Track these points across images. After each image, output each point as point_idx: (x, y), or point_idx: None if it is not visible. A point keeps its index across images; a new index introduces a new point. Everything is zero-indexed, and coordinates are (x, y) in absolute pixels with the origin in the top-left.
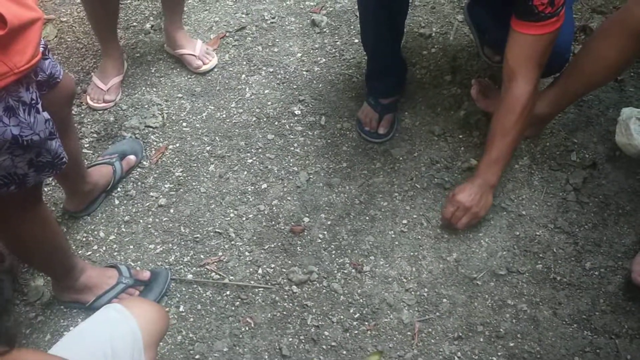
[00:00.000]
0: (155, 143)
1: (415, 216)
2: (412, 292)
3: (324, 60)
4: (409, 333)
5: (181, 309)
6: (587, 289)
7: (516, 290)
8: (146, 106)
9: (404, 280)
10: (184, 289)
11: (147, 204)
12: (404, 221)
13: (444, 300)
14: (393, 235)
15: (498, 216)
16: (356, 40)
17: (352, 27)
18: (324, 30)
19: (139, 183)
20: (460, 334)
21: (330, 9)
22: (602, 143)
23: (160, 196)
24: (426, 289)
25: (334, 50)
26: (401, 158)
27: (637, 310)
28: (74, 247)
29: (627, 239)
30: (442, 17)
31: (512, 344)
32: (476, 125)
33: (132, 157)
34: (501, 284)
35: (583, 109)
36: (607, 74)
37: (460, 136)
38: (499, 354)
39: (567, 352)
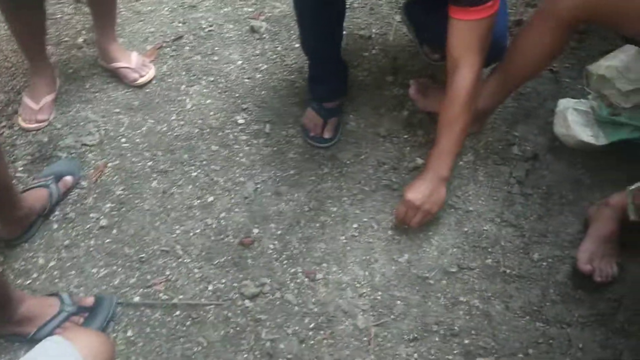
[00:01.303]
0: (93, 162)
1: (365, 220)
2: (366, 297)
3: (265, 66)
4: (365, 339)
5: (129, 333)
6: (537, 280)
7: (468, 287)
8: (82, 124)
9: (358, 285)
10: (131, 312)
11: (88, 226)
12: (355, 225)
13: (398, 302)
14: (344, 241)
15: (446, 214)
16: (297, 45)
17: (292, 32)
18: (264, 36)
19: (78, 204)
20: (416, 335)
21: (269, 14)
22: (542, 135)
23: (102, 217)
24: (380, 292)
25: (275, 56)
26: (348, 162)
27: (586, 299)
28: (11, 277)
29: (572, 227)
30: (380, 18)
31: (467, 341)
32: (420, 125)
33: (69, 178)
34: (453, 282)
35: (522, 102)
36: (539, 65)
37: (406, 136)
38: (455, 352)
39: (521, 345)
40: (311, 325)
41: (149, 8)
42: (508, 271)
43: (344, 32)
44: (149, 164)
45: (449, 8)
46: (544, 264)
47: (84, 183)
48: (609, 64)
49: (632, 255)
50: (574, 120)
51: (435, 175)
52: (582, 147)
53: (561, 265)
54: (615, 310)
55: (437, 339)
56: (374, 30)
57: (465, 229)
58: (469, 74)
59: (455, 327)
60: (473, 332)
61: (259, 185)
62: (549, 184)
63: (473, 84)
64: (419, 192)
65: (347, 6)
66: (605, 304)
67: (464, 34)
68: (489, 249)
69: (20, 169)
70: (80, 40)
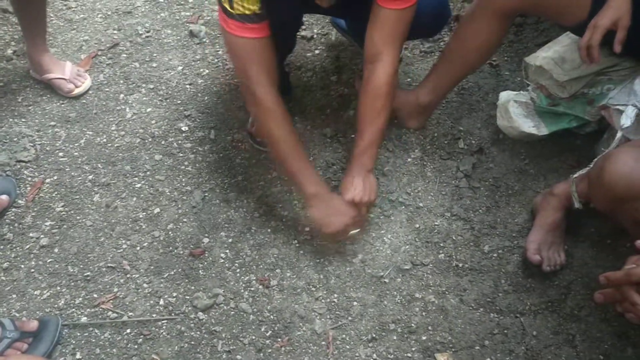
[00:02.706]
0: (29, 178)
1: None
2: (322, 300)
3: (206, 71)
4: (323, 343)
5: (78, 356)
6: (488, 271)
7: (422, 283)
8: (15, 139)
9: (313, 289)
10: (78, 334)
11: (28, 246)
12: (307, 228)
13: (355, 303)
14: (297, 245)
15: (397, 211)
16: None
17: None
18: (204, 40)
19: (16, 224)
20: (374, 335)
21: (208, 17)
22: (486, 128)
23: (42, 236)
24: (336, 295)
25: (216, 60)
26: None
27: (537, 286)
28: None
29: (519, 217)
30: (321, 18)
31: (424, 337)
32: None
33: (4, 197)
34: (408, 279)
35: (465, 97)
36: (479, 57)
37: (353, 135)
38: (413, 349)
39: (477, 337)
40: (268, 334)
41: (82, 16)
42: (460, 265)
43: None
44: (90, 177)
45: None
46: (495, 255)
47: (20, 201)
48: (545, 55)
49: (578, 241)
50: (516, 112)
51: (362, 169)
52: (525, 137)
53: (511, 256)
54: (565, 296)
55: (395, 338)
56: (315, 31)
57: (417, 225)
58: (389, 67)
59: (412, 324)
60: (430, 327)
61: (206, 194)
62: (495, 176)
63: (394, 77)
64: (356, 190)
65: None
66: (555, 291)
67: (389, 24)
68: (441, 244)
69: None
70: (9, 51)
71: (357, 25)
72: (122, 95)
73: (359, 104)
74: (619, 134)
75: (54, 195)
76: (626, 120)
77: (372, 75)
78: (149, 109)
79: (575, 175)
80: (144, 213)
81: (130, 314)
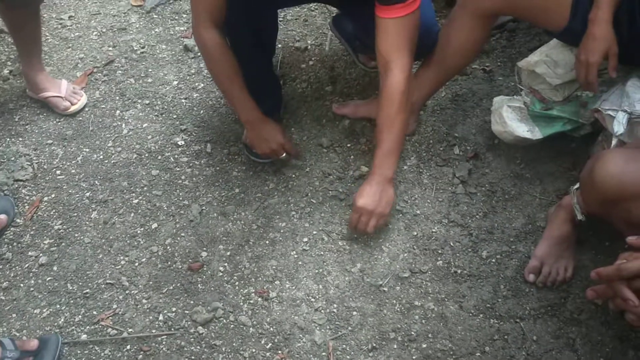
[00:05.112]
0: (27, 197)
1: (315, 232)
2: (322, 311)
3: (202, 85)
4: (323, 354)
5: None
6: (487, 277)
7: (421, 290)
8: (12, 158)
9: (312, 299)
10: (79, 351)
11: (27, 265)
12: (305, 239)
13: (354, 313)
14: (295, 256)
15: (395, 219)
16: None
17: None
18: (199, 54)
19: (15, 243)
20: (374, 345)
21: None
22: (481, 133)
23: (41, 254)
24: (335, 305)
25: None
26: (293, 175)
27: (536, 291)
28: None
29: (517, 222)
30: (315, 29)
31: (424, 345)
32: (362, 132)
33: (2, 217)
34: (407, 287)
35: (459, 103)
36: (462, 57)
37: (349, 145)
38: (414, 357)
39: (478, 343)
40: (268, 346)
41: (77, 34)
42: (459, 271)
43: (279, 45)
44: (87, 194)
45: (375, 9)
46: (493, 260)
47: (19, 220)
48: (538, 60)
49: (576, 244)
50: (510, 117)
51: (381, 177)
52: (520, 142)
53: (509, 261)
54: (565, 300)
55: (395, 347)
56: (309, 42)
57: (415, 233)
58: (401, 73)
59: (413, 332)
60: (430, 335)
61: (204, 207)
62: (492, 181)
63: (406, 83)
64: (369, 197)
65: (281, 19)
66: (555, 295)
67: (393, 33)
68: (439, 251)
69: None
70: (5, 71)
71: (361, 28)
72: (118, 112)
73: (377, 115)
74: (614, 141)
75: (52, 213)
76: (619, 127)
77: (384, 85)
78: (145, 125)
79: (575, 187)
80: (142, 228)
81: (130, 330)
